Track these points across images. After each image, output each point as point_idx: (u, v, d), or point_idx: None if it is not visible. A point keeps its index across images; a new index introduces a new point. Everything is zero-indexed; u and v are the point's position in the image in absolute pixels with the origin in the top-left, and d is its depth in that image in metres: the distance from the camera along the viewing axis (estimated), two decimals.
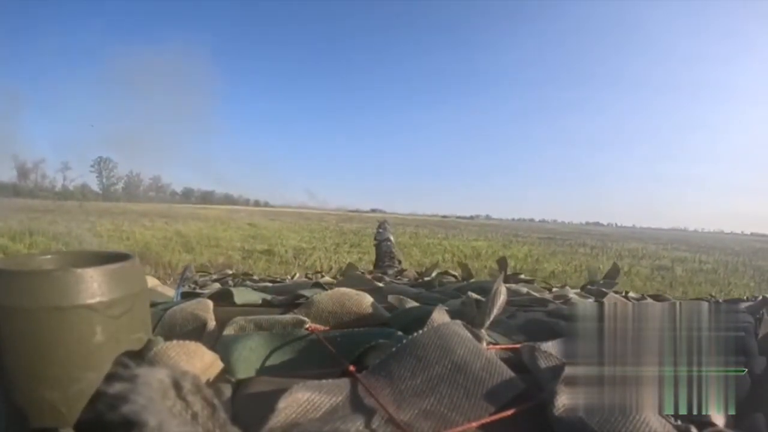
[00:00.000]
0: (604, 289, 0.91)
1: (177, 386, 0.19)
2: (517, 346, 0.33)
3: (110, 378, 0.22)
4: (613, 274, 1.14)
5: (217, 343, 0.34)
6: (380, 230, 2.46)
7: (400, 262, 2.11)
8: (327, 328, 0.38)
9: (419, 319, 0.36)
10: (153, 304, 0.44)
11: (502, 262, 1.16)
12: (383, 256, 2.13)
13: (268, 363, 0.33)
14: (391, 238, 2.34)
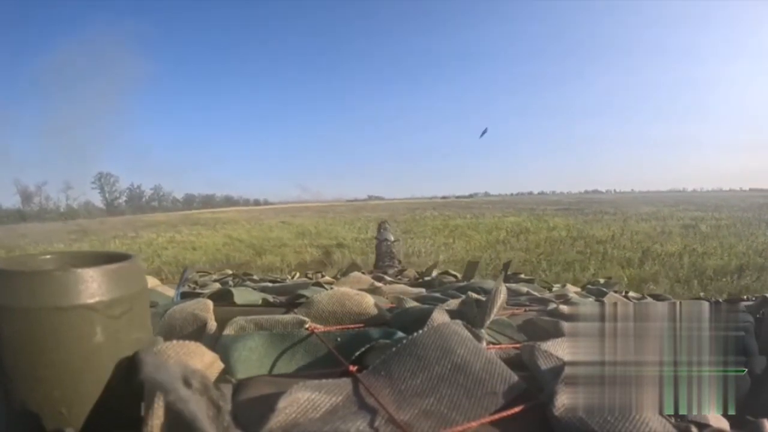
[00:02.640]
0: (604, 289, 0.91)
1: (186, 383, 0.19)
2: (517, 346, 0.33)
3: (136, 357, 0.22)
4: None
5: (217, 343, 0.34)
6: (381, 230, 2.50)
7: (399, 261, 2.13)
8: (327, 328, 0.38)
9: (419, 319, 0.36)
10: (153, 304, 0.44)
11: (505, 264, 1.17)
12: (383, 255, 2.16)
13: (268, 363, 0.33)
14: (391, 237, 2.38)
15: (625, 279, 3.37)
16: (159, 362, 0.20)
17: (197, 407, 0.18)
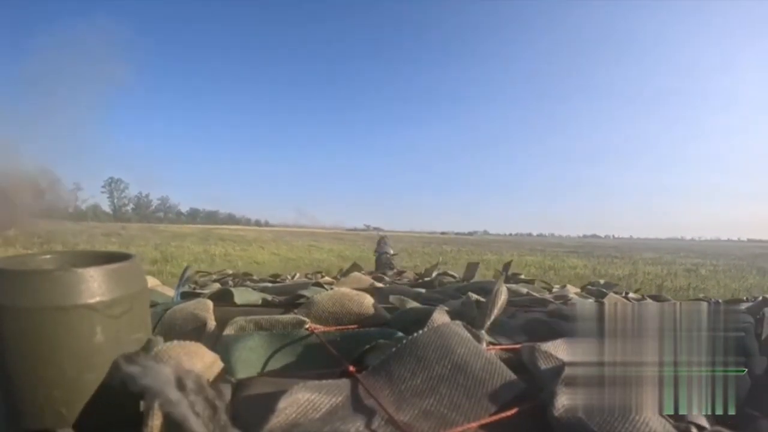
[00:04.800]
0: (604, 290, 0.91)
1: (180, 384, 0.19)
2: (517, 346, 0.33)
3: (123, 361, 0.22)
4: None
5: (217, 343, 0.34)
6: (381, 244, 2.62)
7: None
8: (327, 328, 0.38)
9: (419, 319, 0.36)
10: (153, 304, 0.44)
11: (505, 265, 1.17)
12: (383, 267, 2.23)
13: (268, 363, 0.33)
14: (390, 251, 2.48)
15: None
16: (147, 366, 0.20)
17: (188, 409, 0.18)
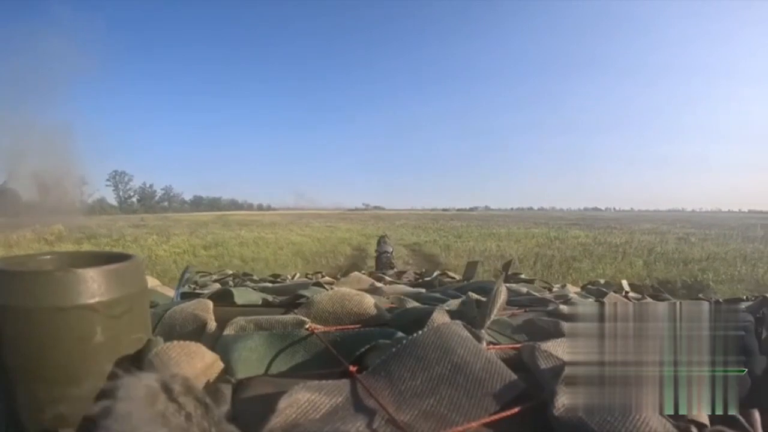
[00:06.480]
0: (604, 289, 0.91)
1: (167, 389, 0.19)
2: (517, 346, 0.33)
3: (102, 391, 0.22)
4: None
5: (217, 343, 0.34)
6: (381, 244, 2.65)
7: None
8: (327, 328, 0.37)
9: (419, 319, 0.36)
10: (153, 304, 0.44)
11: (505, 265, 1.17)
12: (383, 266, 2.26)
13: (269, 363, 0.33)
14: (390, 249, 2.52)
15: (641, 262, 5.57)
16: (124, 383, 0.20)
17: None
